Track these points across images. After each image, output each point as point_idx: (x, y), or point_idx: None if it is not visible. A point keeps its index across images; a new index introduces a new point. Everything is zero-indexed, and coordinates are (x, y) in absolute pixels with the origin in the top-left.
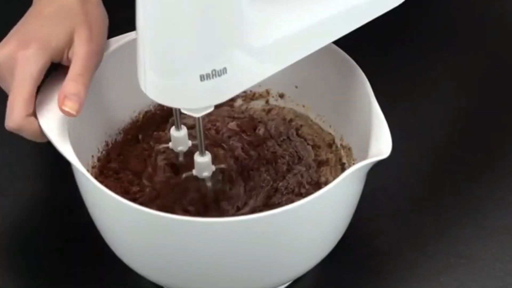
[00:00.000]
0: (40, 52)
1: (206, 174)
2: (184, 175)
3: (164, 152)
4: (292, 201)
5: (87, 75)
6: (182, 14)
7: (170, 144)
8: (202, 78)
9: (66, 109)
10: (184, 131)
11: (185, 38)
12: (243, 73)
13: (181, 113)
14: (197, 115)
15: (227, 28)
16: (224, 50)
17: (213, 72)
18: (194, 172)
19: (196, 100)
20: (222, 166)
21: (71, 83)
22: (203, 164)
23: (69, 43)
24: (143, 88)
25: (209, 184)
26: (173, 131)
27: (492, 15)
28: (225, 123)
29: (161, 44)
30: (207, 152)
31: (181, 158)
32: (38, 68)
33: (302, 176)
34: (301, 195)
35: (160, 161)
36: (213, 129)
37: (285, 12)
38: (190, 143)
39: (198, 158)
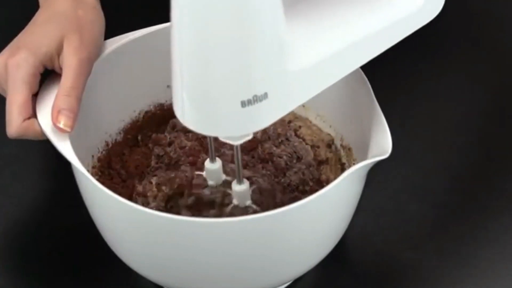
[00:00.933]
0: (30, 57)
1: (248, 202)
2: (229, 208)
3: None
4: (299, 199)
5: (79, 86)
6: (222, 41)
7: (204, 173)
8: (243, 104)
9: (60, 125)
10: (218, 163)
11: (226, 65)
12: (284, 97)
13: (215, 143)
14: (237, 142)
15: (267, 52)
16: (265, 75)
17: (254, 98)
18: (235, 201)
19: (238, 127)
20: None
21: (64, 98)
22: (243, 192)
23: (59, 49)
24: (180, 118)
25: (257, 208)
26: (207, 163)
27: (492, 14)
28: None
29: (201, 73)
30: (244, 180)
31: (207, 192)
32: (28, 72)
33: (303, 174)
34: (306, 193)
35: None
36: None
37: (322, 34)
38: (224, 177)
39: (236, 187)
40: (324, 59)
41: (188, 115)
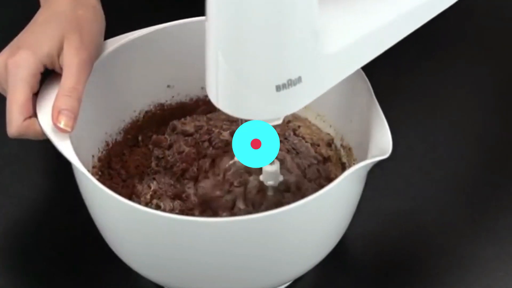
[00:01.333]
0: (30, 57)
1: (281, 178)
2: (271, 193)
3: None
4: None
5: (79, 86)
6: (256, 27)
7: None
8: (278, 88)
9: (61, 125)
10: None
11: (261, 50)
12: (317, 80)
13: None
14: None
15: (301, 37)
16: (299, 59)
17: (289, 82)
18: (271, 182)
19: (271, 111)
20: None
21: (65, 98)
22: (274, 173)
23: (59, 49)
24: (214, 101)
25: (270, 193)
26: None
27: (492, 13)
28: (220, 132)
29: (236, 58)
30: (275, 160)
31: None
32: (28, 72)
33: (318, 170)
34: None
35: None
36: (207, 140)
37: (354, 16)
38: None
39: (267, 167)
40: (357, 41)
41: (222, 99)
